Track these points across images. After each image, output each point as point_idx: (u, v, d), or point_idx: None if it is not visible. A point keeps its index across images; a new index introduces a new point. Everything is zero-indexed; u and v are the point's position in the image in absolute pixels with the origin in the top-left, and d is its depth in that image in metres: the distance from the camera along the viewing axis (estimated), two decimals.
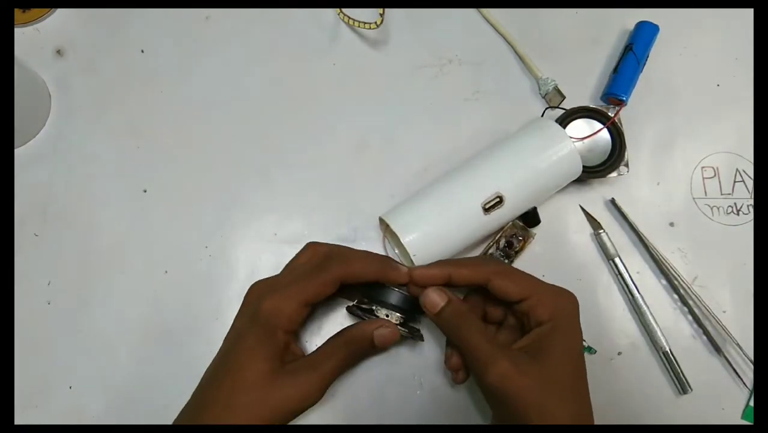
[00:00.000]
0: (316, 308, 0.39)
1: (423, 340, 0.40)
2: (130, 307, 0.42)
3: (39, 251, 0.43)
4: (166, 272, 0.43)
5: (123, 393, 0.41)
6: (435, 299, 0.35)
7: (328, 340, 0.36)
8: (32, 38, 0.48)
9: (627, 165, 0.43)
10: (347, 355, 0.35)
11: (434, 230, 0.39)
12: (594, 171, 0.43)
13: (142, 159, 0.45)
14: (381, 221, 0.41)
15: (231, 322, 0.36)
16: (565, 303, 0.35)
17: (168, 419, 0.34)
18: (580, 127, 0.44)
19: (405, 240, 0.38)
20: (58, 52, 0.48)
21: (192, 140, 0.46)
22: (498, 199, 0.39)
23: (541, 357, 0.32)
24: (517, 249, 0.42)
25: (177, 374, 0.41)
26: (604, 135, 0.43)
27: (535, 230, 0.43)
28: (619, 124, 0.43)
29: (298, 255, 0.38)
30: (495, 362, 0.31)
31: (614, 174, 0.42)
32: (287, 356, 0.34)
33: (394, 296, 0.37)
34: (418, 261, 0.38)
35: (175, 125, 0.46)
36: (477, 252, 0.43)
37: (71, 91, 0.47)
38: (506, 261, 0.42)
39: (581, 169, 0.41)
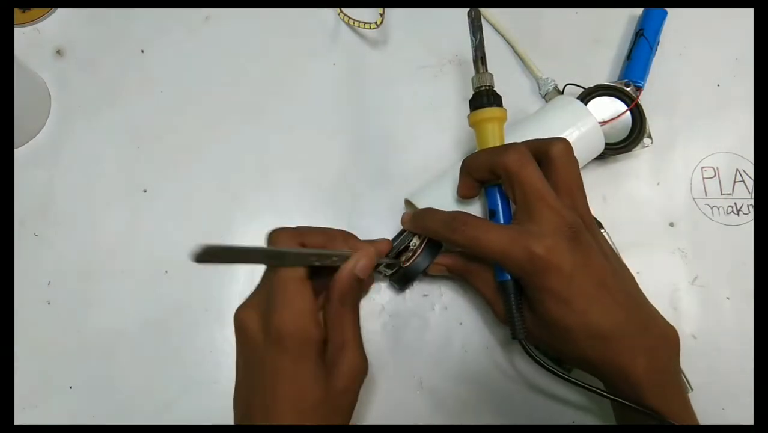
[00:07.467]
0: None
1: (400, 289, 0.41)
2: (130, 307, 0.42)
3: (39, 251, 0.43)
4: (166, 271, 0.43)
5: (123, 393, 0.41)
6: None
7: (326, 309, 0.33)
8: (32, 38, 0.48)
9: (650, 137, 0.43)
10: (350, 309, 0.33)
11: (460, 208, 0.38)
12: (616, 147, 0.43)
13: (142, 159, 0.45)
14: (407, 202, 0.41)
15: (230, 322, 0.34)
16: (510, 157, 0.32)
17: (168, 419, 0.33)
18: (600, 105, 0.44)
19: None
20: (58, 52, 0.48)
21: (192, 140, 0.46)
22: None
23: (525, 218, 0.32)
24: None
25: (177, 374, 0.41)
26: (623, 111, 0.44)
27: None
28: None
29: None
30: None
31: (638, 147, 0.43)
32: (322, 353, 0.32)
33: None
34: None
35: (175, 125, 0.46)
36: None
37: (71, 91, 0.47)
38: None
39: (604, 145, 0.41)
